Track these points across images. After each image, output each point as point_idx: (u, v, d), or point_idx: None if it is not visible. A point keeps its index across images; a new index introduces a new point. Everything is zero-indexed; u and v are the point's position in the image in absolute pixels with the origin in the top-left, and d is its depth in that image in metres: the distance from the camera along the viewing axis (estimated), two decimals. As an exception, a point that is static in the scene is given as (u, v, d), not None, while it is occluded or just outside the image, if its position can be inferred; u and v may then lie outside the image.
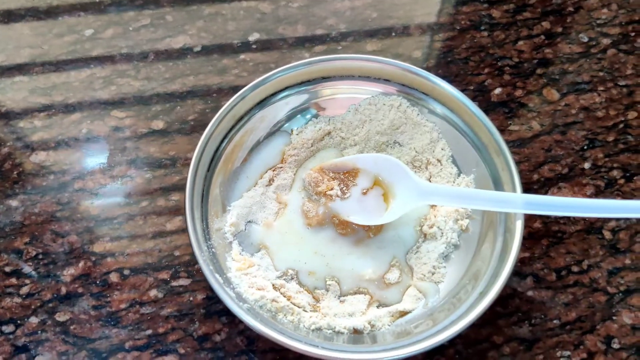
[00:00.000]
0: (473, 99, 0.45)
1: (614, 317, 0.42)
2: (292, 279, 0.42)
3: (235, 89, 0.50)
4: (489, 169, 0.43)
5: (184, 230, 0.45)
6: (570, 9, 0.57)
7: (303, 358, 0.39)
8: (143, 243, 0.45)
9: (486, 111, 0.44)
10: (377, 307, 0.41)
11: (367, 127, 0.47)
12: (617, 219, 0.45)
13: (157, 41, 0.56)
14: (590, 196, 0.47)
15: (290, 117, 0.48)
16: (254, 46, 0.55)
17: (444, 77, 0.46)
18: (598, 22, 0.56)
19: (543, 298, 0.42)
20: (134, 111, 0.52)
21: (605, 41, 0.55)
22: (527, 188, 0.47)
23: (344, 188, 0.44)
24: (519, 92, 0.52)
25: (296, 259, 0.42)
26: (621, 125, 0.50)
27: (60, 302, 0.43)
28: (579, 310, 0.42)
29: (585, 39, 0.55)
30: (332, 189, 0.44)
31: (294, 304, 0.40)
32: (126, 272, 0.44)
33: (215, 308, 0.42)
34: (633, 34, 0.56)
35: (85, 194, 0.47)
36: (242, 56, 0.55)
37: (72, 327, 0.42)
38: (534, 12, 0.57)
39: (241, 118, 0.46)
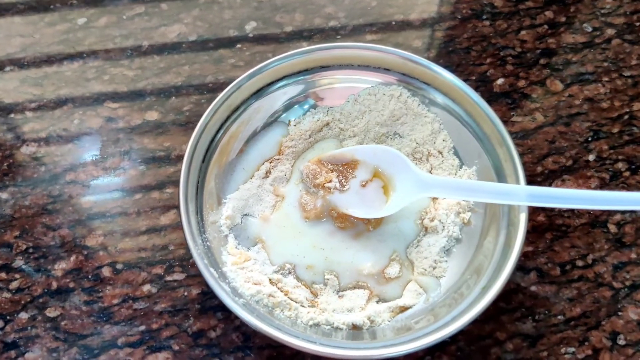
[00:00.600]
0: (475, 89, 0.44)
1: (620, 313, 0.41)
2: (289, 273, 0.41)
3: (231, 78, 0.49)
4: (491, 161, 0.43)
5: (178, 223, 0.44)
6: (574, -2, 0.57)
7: (300, 355, 0.39)
8: (136, 237, 0.44)
9: (488, 102, 0.43)
10: (377, 302, 0.40)
11: (367, 117, 0.46)
12: (623, 212, 0.45)
13: (152, 30, 0.55)
14: (594, 189, 0.46)
15: (287, 107, 0.47)
16: (250, 35, 0.54)
17: (445, 67, 0.45)
18: (602, 11, 0.55)
19: (547, 293, 0.42)
20: (128, 102, 0.51)
21: (610, 31, 0.54)
22: (531, 180, 0.46)
23: (343, 180, 0.43)
24: (522, 83, 0.51)
25: (294, 252, 0.42)
26: (626, 117, 0.49)
27: (51, 297, 0.42)
28: (583, 306, 0.41)
29: (590, 29, 0.54)
30: (330, 181, 0.43)
31: (291, 299, 0.39)
32: (119, 266, 0.43)
33: (210, 303, 0.41)
34: (638, 23, 0.55)
35: (78, 187, 0.46)
36: (239, 45, 0.54)
37: (63, 323, 0.41)
38: (537, 1, 0.56)
39: (237, 108, 0.45)
